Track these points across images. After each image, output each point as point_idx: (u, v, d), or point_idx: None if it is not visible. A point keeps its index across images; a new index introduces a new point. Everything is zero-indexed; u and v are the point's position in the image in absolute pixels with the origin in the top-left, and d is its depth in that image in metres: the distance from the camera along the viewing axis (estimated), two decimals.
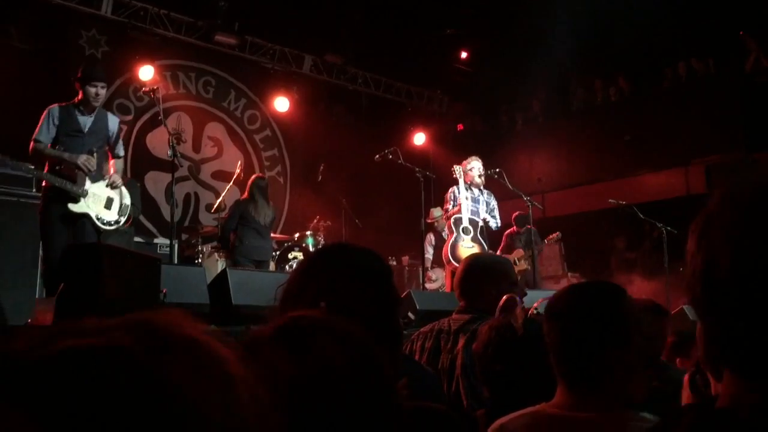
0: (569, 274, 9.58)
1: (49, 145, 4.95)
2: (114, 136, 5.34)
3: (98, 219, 5.08)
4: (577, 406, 1.61)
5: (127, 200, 5.30)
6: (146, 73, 8.83)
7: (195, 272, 4.74)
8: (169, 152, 5.54)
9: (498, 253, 7.52)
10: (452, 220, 6.90)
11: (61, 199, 4.91)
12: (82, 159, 4.98)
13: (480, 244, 6.89)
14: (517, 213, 8.50)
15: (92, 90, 5.03)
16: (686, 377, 1.46)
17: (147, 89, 6.25)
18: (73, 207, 4.93)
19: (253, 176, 7.41)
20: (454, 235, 6.87)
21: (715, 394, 0.86)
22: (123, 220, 5.27)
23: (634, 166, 10.10)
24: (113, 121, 5.37)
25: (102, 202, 5.13)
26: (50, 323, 3.47)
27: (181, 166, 6.47)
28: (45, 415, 0.43)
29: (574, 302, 1.69)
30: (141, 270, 3.93)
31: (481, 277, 2.93)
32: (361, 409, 0.83)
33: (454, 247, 6.84)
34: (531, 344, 1.86)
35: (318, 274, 1.44)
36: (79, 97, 5.09)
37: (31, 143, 4.95)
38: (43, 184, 4.99)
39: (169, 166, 5.83)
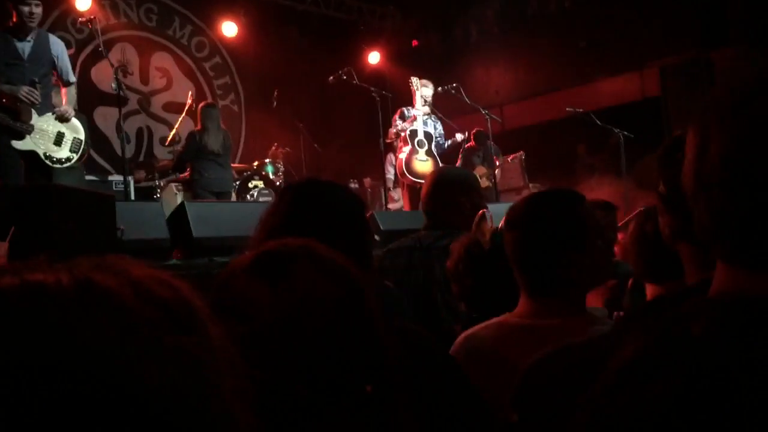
0: (531, 185, 9.66)
1: None
2: (59, 59, 4.94)
3: (47, 157, 4.80)
4: (539, 313, 1.63)
5: (81, 135, 5.02)
6: (83, 2, 8.39)
7: (152, 207, 4.66)
8: (114, 86, 5.32)
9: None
10: (407, 132, 6.87)
11: (2, 137, 4.60)
12: (24, 90, 4.62)
13: (434, 158, 6.89)
14: (475, 129, 8.45)
15: (25, 9, 4.61)
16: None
17: (84, 20, 5.95)
18: (18, 144, 4.65)
19: (201, 104, 7.20)
20: (409, 147, 6.85)
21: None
22: (75, 157, 4.99)
23: (590, 72, 10.06)
24: (56, 44, 4.96)
25: (51, 138, 4.85)
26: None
27: (128, 99, 6.25)
28: None
29: (531, 210, 1.67)
30: (95, 209, 3.83)
31: (451, 191, 2.89)
32: (343, 336, 0.82)
33: (409, 161, 6.85)
34: (499, 258, 1.85)
35: (288, 212, 1.43)
36: (13, 20, 4.69)
37: None
38: None
39: (116, 101, 5.63)
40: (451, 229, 2.72)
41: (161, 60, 10.00)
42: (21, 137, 4.68)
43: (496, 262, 1.90)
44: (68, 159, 4.96)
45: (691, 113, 0.79)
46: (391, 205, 8.33)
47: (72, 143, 4.96)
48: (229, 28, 10.16)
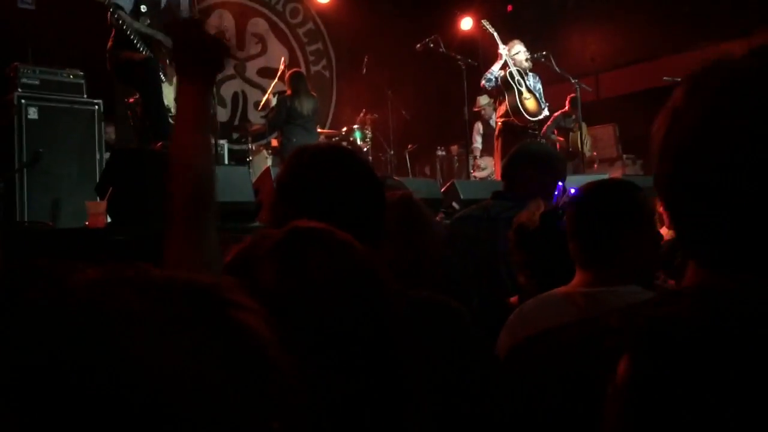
0: (624, 156, 9.37)
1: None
2: (187, 12, 4.90)
3: (168, 110, 4.80)
4: (587, 284, 1.70)
5: None
6: None
7: (239, 171, 4.84)
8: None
9: (545, 129, 7.25)
10: (506, 73, 6.54)
11: (155, 77, 4.62)
12: (161, 36, 4.60)
13: (534, 95, 6.61)
14: (573, 95, 8.18)
15: None
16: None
17: None
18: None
19: (289, 72, 7.37)
20: (514, 90, 6.49)
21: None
22: None
23: (693, 39, 9.57)
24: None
25: (175, 93, 4.82)
26: (103, 225, 3.64)
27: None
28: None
29: (591, 191, 1.82)
30: None
31: (524, 166, 2.92)
32: (352, 322, 0.84)
33: (519, 103, 6.44)
34: (547, 235, 1.97)
35: (311, 176, 1.43)
36: None
37: (107, 13, 4.55)
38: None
39: None
40: (520, 200, 2.74)
41: (257, 26, 10.24)
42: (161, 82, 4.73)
43: (545, 240, 1.97)
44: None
45: None
46: (477, 174, 8.30)
47: None
48: None
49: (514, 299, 2.23)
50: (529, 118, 6.44)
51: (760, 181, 0.69)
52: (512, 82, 6.49)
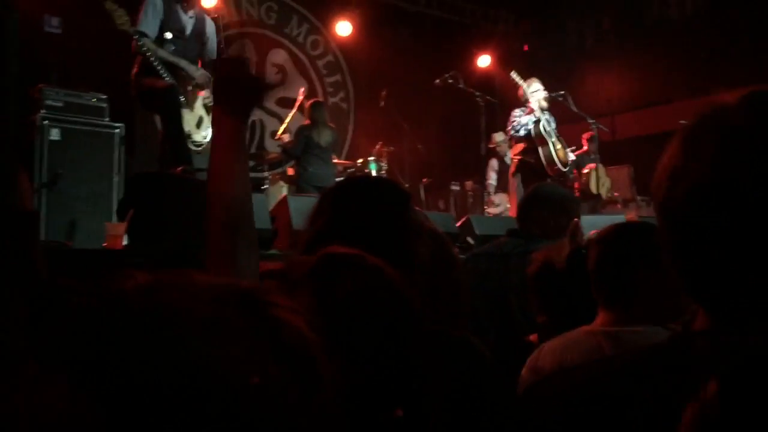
0: (639, 197, 9.36)
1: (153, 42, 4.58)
2: (210, 41, 4.94)
3: (188, 136, 4.84)
4: (609, 323, 1.69)
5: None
6: None
7: (257, 199, 4.85)
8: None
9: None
10: (540, 127, 6.54)
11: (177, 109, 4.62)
12: (201, 77, 4.67)
13: (562, 144, 6.66)
14: (591, 133, 8.20)
15: None
16: None
17: (214, 16, 6.25)
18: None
19: (309, 101, 7.45)
20: (548, 143, 6.53)
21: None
22: (206, 144, 4.99)
23: (709, 84, 9.60)
24: (210, 24, 4.95)
25: (195, 119, 4.93)
26: (121, 247, 3.66)
27: None
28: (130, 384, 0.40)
29: (616, 230, 1.84)
30: (204, 197, 4.06)
31: (540, 207, 2.98)
32: (382, 348, 0.84)
33: (552, 155, 6.52)
34: (574, 275, 1.97)
35: (328, 212, 1.45)
36: None
37: (133, 40, 4.59)
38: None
39: None
40: (534, 238, 2.78)
41: (277, 56, 10.38)
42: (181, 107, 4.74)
43: (570, 280, 1.97)
44: (201, 144, 5.02)
45: None
46: (491, 210, 8.30)
47: (206, 130, 5.02)
48: (343, 28, 10.40)
49: (533, 337, 2.22)
50: (561, 168, 6.50)
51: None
52: (545, 135, 6.55)
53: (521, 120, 6.62)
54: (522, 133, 6.60)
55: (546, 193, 3.15)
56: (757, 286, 0.69)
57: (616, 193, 8.89)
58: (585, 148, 8.43)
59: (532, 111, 6.57)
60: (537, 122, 6.55)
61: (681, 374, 0.70)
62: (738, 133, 0.72)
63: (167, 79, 4.74)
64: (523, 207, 3.08)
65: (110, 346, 0.41)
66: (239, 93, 1.42)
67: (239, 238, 1.36)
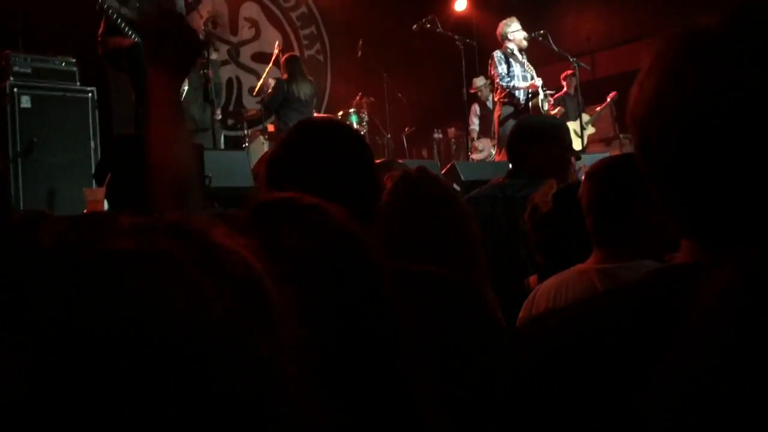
0: (621, 135, 9.34)
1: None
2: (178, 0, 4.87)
3: None
4: (602, 260, 1.67)
5: (185, 84, 5.16)
6: None
7: (238, 156, 4.81)
8: (202, 38, 5.45)
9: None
10: (537, 101, 6.52)
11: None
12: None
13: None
14: (569, 72, 8.11)
15: None
16: None
17: None
18: None
19: (285, 56, 7.30)
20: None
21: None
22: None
23: (691, 16, 9.50)
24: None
25: None
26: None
27: (217, 50, 6.40)
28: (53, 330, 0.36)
29: (607, 165, 1.80)
30: None
31: (529, 141, 2.89)
32: (332, 291, 0.80)
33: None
34: (561, 216, 1.96)
35: (282, 159, 1.41)
36: None
37: None
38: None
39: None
40: (534, 178, 2.71)
41: (249, 10, 10.13)
42: None
43: (559, 220, 1.95)
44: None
45: None
46: (474, 156, 8.26)
47: (180, 90, 5.04)
48: None
49: (533, 278, 2.21)
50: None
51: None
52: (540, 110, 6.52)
53: (518, 83, 6.51)
54: (520, 97, 6.52)
55: (533, 124, 3.07)
56: (746, 215, 0.68)
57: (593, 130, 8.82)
58: (564, 88, 8.35)
59: (535, 87, 6.46)
60: (535, 95, 6.49)
61: (665, 305, 0.69)
62: (721, 57, 0.69)
63: (133, 37, 4.62)
64: (513, 145, 2.98)
65: (18, 295, 0.37)
66: (175, 51, 1.34)
67: (188, 203, 1.30)
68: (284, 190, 1.12)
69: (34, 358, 0.35)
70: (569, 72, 8.04)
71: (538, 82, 6.58)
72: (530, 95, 6.56)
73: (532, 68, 6.74)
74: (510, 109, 6.50)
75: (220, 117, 5.14)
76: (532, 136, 2.90)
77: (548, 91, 6.86)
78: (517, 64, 6.63)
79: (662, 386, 0.64)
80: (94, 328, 0.36)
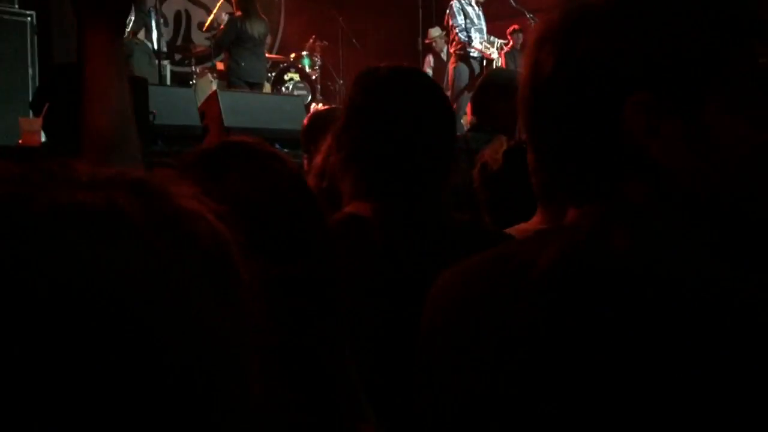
0: None
1: None
2: None
3: None
4: (544, 221, 1.69)
5: (131, 14, 4.98)
6: None
7: (184, 94, 4.67)
8: None
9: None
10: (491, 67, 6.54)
11: None
12: None
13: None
14: (511, 28, 8.09)
15: None
16: None
17: None
18: None
19: None
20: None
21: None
22: (126, 33, 4.94)
23: None
24: None
25: None
26: (38, 144, 3.46)
27: None
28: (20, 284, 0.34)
29: None
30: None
31: (494, 95, 2.89)
32: (279, 229, 0.81)
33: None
34: (511, 174, 1.94)
35: (390, 96, 1.36)
36: None
37: None
38: None
39: None
40: (497, 132, 2.71)
41: None
42: None
43: (509, 179, 1.95)
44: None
45: None
46: None
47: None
48: None
49: None
50: None
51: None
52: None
53: (475, 42, 6.48)
54: (473, 54, 6.50)
55: (504, 80, 3.05)
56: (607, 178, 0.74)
57: None
58: (511, 43, 8.31)
59: (489, 57, 6.43)
60: (489, 63, 6.47)
61: (509, 273, 0.74)
62: (608, 32, 0.73)
63: None
64: (479, 98, 2.97)
65: None
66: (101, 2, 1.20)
67: (121, 157, 1.24)
68: (369, 138, 1.11)
69: None
70: (515, 26, 8.00)
71: (494, 54, 6.59)
72: (485, 63, 6.55)
73: (484, 21, 6.74)
74: (463, 63, 6.49)
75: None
76: (499, 90, 2.89)
77: (501, 41, 6.85)
78: (474, 17, 6.60)
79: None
80: (33, 284, 0.34)
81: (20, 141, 3.59)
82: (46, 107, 3.46)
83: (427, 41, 8.43)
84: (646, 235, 0.72)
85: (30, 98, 5.29)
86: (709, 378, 0.62)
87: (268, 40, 8.17)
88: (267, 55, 7.51)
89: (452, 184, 1.46)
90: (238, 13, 6.89)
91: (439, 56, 8.51)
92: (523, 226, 1.78)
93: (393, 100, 1.37)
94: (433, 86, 1.45)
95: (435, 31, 8.44)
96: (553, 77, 0.74)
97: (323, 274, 0.86)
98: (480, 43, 6.44)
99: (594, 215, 0.74)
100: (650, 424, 0.63)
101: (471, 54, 6.50)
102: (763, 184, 0.73)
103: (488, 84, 2.97)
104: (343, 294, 0.89)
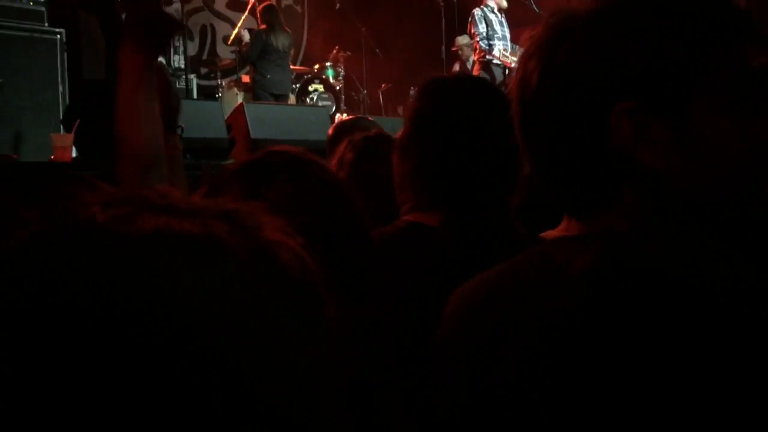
0: None
1: None
2: None
3: None
4: (567, 230, 1.69)
5: None
6: None
7: (211, 107, 4.71)
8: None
9: None
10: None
11: None
12: None
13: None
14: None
15: None
16: None
17: None
18: None
19: (262, 5, 7.13)
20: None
21: None
22: None
23: None
24: None
25: None
26: (70, 160, 3.51)
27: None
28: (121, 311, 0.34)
29: None
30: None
31: None
32: (325, 237, 0.81)
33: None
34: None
35: (456, 105, 1.35)
36: None
37: None
38: None
39: None
40: None
41: None
42: None
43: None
44: None
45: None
46: None
47: None
48: None
49: None
50: None
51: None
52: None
53: (495, 50, 6.46)
54: (495, 61, 6.49)
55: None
56: (605, 189, 0.74)
57: None
58: None
59: (509, 66, 6.40)
60: (511, 71, 6.43)
61: (537, 278, 0.75)
62: (589, 43, 0.74)
63: None
64: None
65: (78, 284, 0.34)
66: (151, 29, 1.33)
67: (152, 177, 1.30)
68: (436, 146, 1.15)
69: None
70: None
71: (514, 62, 6.56)
72: (507, 72, 6.53)
73: (507, 29, 6.72)
74: (486, 71, 6.48)
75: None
76: None
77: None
78: (497, 24, 6.59)
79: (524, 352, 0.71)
80: (131, 309, 0.34)
81: (52, 157, 3.64)
82: (77, 123, 3.51)
83: (453, 49, 8.42)
84: (681, 240, 0.71)
85: (61, 115, 5.39)
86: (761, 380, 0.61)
87: (293, 52, 8.23)
88: (291, 66, 7.56)
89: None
90: (263, 27, 6.96)
91: (465, 64, 8.49)
92: (549, 233, 1.76)
93: (461, 109, 1.37)
94: (499, 96, 1.44)
95: (462, 39, 8.43)
96: (538, 90, 0.75)
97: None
98: (499, 51, 6.41)
99: (626, 221, 0.74)
100: (692, 424, 0.62)
101: (493, 61, 6.48)
102: (753, 181, 0.73)
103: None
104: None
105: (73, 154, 3.66)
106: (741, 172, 0.72)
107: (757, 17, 0.78)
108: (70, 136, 3.58)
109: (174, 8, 5.49)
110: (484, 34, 6.50)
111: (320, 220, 0.80)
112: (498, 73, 6.46)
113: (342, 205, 0.84)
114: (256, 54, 6.82)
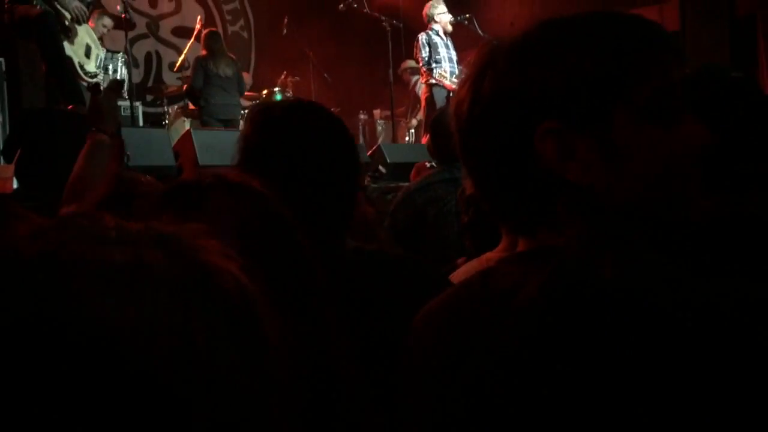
0: None
1: None
2: None
3: (80, 67, 4.73)
4: (509, 249, 1.68)
5: (101, 53, 4.99)
6: None
7: (158, 135, 4.64)
8: (119, 8, 5.22)
9: None
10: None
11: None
12: (75, 4, 4.54)
13: None
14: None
15: None
16: None
17: None
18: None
19: (205, 31, 7.10)
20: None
21: None
22: (100, 74, 4.92)
23: (607, 5, 9.76)
24: None
25: (82, 49, 4.76)
26: (11, 190, 3.41)
27: (135, 23, 6.15)
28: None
29: None
30: None
31: (448, 123, 2.94)
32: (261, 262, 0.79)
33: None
34: None
35: (285, 134, 1.32)
36: None
37: None
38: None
39: (122, 24, 5.53)
40: (453, 159, 2.77)
41: None
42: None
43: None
44: (95, 75, 4.88)
45: (710, 48, 0.81)
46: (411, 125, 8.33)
47: (97, 60, 4.91)
48: None
49: (460, 260, 2.22)
50: None
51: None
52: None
53: (441, 70, 6.52)
54: (432, 84, 6.56)
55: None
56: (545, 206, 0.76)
57: None
58: None
59: (451, 88, 6.45)
60: (447, 96, 6.51)
61: (489, 303, 0.75)
62: (511, 68, 0.77)
63: (39, 7, 4.41)
64: (436, 127, 3.05)
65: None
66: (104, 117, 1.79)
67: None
68: (264, 175, 1.10)
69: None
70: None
71: (455, 85, 6.64)
72: (449, 94, 6.61)
73: (454, 51, 6.81)
74: (433, 93, 6.56)
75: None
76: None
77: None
78: (442, 47, 6.68)
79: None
80: (56, 339, 0.34)
81: None
82: (18, 153, 3.42)
83: (400, 72, 8.51)
84: (631, 260, 0.72)
85: (0, 145, 5.24)
86: (708, 397, 0.61)
87: (247, 78, 8.21)
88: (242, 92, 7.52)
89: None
90: (203, 53, 6.92)
91: (415, 87, 8.58)
92: (488, 254, 1.76)
93: (289, 135, 1.34)
94: (330, 119, 1.42)
95: (410, 62, 8.53)
96: (469, 118, 0.78)
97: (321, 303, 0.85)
98: (438, 74, 6.52)
99: (575, 241, 0.75)
100: None
101: (437, 84, 6.59)
102: (679, 187, 0.76)
103: (443, 113, 3.09)
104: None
105: (14, 185, 3.56)
106: (666, 179, 0.74)
107: (691, 34, 0.81)
108: (11, 167, 3.48)
109: (104, 26, 5.44)
110: (427, 58, 6.61)
111: (256, 241, 0.78)
112: (441, 96, 6.54)
113: (278, 226, 0.82)
114: (200, 81, 6.77)
